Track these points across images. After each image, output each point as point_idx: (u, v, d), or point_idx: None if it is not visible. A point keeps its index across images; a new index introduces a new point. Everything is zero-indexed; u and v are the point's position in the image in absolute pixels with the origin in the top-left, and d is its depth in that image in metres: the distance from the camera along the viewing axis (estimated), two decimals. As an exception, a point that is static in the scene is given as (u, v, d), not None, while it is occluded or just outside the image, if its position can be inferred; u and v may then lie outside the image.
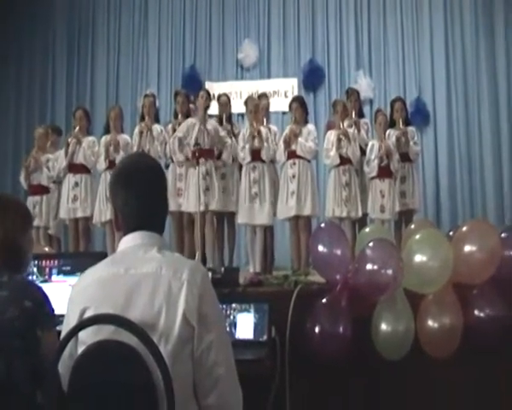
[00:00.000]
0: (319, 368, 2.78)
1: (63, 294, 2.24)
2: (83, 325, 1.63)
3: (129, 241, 1.72)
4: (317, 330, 2.80)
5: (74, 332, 1.64)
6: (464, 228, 3.01)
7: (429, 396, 2.89)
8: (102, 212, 5.81)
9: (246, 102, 6.10)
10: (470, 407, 2.88)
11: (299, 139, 5.59)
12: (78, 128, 6.11)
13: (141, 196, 1.71)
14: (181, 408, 1.55)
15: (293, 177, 5.56)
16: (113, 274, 1.65)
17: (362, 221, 5.79)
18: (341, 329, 2.79)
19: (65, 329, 1.69)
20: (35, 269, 2.99)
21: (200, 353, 1.60)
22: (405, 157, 6.00)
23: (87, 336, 1.62)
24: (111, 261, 1.72)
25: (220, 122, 5.91)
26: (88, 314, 1.63)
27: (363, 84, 8.46)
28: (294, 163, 5.59)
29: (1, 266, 2.09)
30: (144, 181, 1.72)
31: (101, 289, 1.65)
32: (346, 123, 5.93)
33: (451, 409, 2.89)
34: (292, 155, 5.60)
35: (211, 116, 5.99)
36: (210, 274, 3.04)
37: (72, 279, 2.81)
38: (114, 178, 1.77)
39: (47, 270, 3.00)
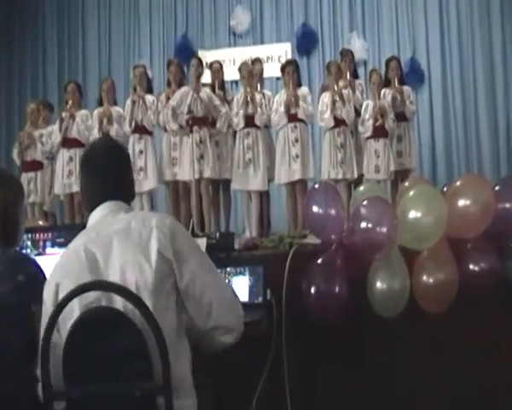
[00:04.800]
0: (316, 328, 2.78)
1: (57, 266, 2.25)
2: (71, 296, 1.67)
3: (97, 214, 1.84)
4: (312, 290, 2.79)
5: (64, 305, 1.68)
6: (458, 183, 2.98)
7: (425, 351, 2.91)
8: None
9: (239, 68, 6.10)
10: (466, 360, 2.89)
11: (301, 103, 5.56)
12: (70, 102, 6.06)
13: (102, 172, 1.86)
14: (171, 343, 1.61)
15: (296, 141, 5.56)
16: (85, 241, 1.75)
17: (358, 182, 5.77)
18: (337, 288, 2.78)
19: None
20: (29, 242, 2.99)
21: (186, 285, 1.68)
22: (401, 116, 5.97)
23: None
24: (83, 233, 1.82)
25: (213, 89, 5.88)
26: (65, 286, 1.70)
27: (357, 46, 8.37)
28: (296, 127, 5.59)
29: (-4, 240, 2.09)
30: (103, 159, 1.88)
31: (77, 260, 1.73)
32: (340, 84, 5.87)
33: (448, 363, 2.91)
34: (293, 118, 5.58)
35: (204, 85, 5.92)
36: (205, 240, 3.04)
37: (66, 251, 2.83)
38: (80, 165, 1.97)
39: (41, 243, 3.00)
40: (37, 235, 3.02)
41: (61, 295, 1.68)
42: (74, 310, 1.66)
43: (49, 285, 1.76)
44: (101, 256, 1.68)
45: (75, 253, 1.74)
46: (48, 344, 1.67)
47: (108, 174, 1.86)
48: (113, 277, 1.66)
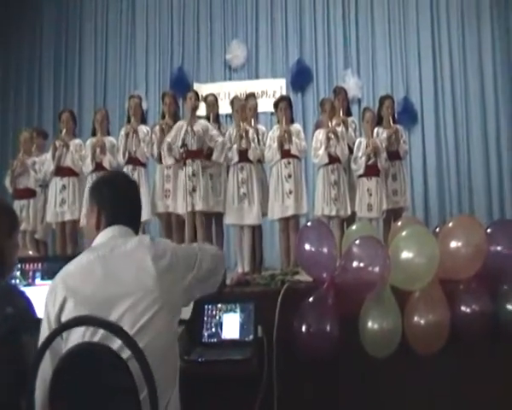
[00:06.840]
0: (307, 367, 2.76)
1: (47, 298, 2.21)
2: (66, 326, 1.70)
3: (107, 233, 1.94)
4: (304, 328, 2.77)
5: (56, 334, 1.69)
6: (450, 224, 3.00)
7: (416, 391, 2.88)
8: (90, 214, 5.74)
9: (232, 103, 6.10)
10: (457, 401, 2.87)
11: (294, 138, 5.58)
12: (64, 131, 6.07)
13: (123, 195, 2.02)
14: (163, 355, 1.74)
15: (289, 176, 5.55)
16: (94, 258, 1.86)
17: (350, 220, 5.78)
18: (328, 327, 2.77)
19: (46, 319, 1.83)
20: (18, 273, 2.95)
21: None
22: (396, 155, 5.98)
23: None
24: (91, 250, 1.92)
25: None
26: (71, 302, 1.79)
27: (351, 84, 8.45)
28: (289, 162, 5.58)
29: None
30: (125, 185, 2.07)
31: (84, 275, 1.84)
32: (334, 121, 5.91)
33: (439, 404, 2.88)
34: (286, 154, 5.58)
35: (199, 117, 5.94)
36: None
37: (56, 283, 2.77)
38: (101, 180, 2.10)
39: (30, 273, 2.95)
40: (27, 265, 2.97)
41: (67, 310, 1.78)
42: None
43: (57, 294, 1.83)
44: (116, 271, 1.81)
45: (89, 266, 1.84)
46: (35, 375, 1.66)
47: (128, 199, 2.03)
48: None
